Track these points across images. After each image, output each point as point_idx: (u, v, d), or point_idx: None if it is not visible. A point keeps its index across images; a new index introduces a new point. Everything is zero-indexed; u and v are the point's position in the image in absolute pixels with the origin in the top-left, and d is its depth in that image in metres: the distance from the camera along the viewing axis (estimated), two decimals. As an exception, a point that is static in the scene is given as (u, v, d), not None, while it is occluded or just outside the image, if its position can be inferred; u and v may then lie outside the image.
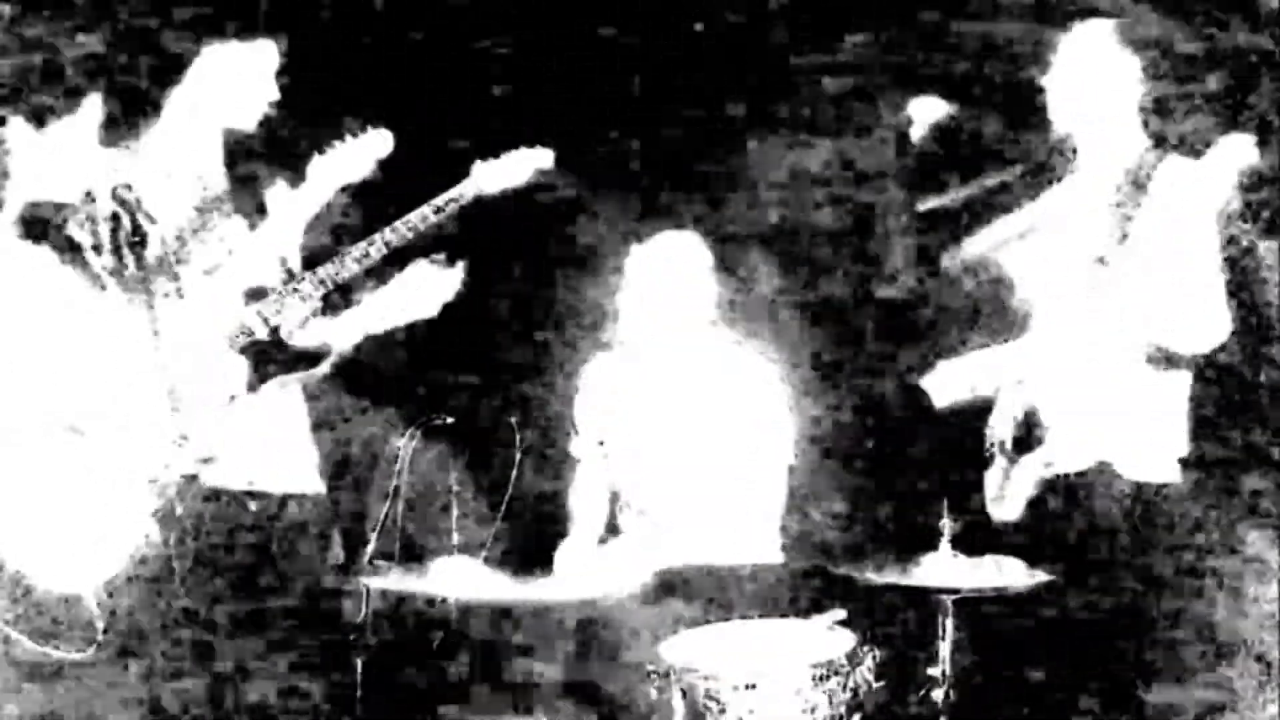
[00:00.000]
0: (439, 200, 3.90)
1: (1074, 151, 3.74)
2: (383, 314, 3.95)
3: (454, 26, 4.90)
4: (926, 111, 5.34)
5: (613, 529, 4.06)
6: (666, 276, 3.93)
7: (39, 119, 3.27)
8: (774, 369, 4.02)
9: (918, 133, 5.35)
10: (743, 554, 3.88)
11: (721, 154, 5.31)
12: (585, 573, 3.82)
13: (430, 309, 3.98)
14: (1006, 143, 4.89)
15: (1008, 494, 3.62)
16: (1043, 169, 4.00)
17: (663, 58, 5.21)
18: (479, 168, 3.99)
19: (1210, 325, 3.45)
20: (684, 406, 3.96)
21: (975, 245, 5.03)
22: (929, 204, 5.34)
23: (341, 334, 3.89)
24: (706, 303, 3.99)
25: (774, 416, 3.98)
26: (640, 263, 3.96)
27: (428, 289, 3.97)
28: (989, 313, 4.30)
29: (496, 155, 4.01)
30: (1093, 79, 3.61)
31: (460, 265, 3.99)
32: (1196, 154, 3.51)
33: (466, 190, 3.95)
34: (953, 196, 5.23)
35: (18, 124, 3.27)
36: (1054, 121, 3.73)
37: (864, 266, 5.32)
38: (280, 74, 3.79)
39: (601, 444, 4.02)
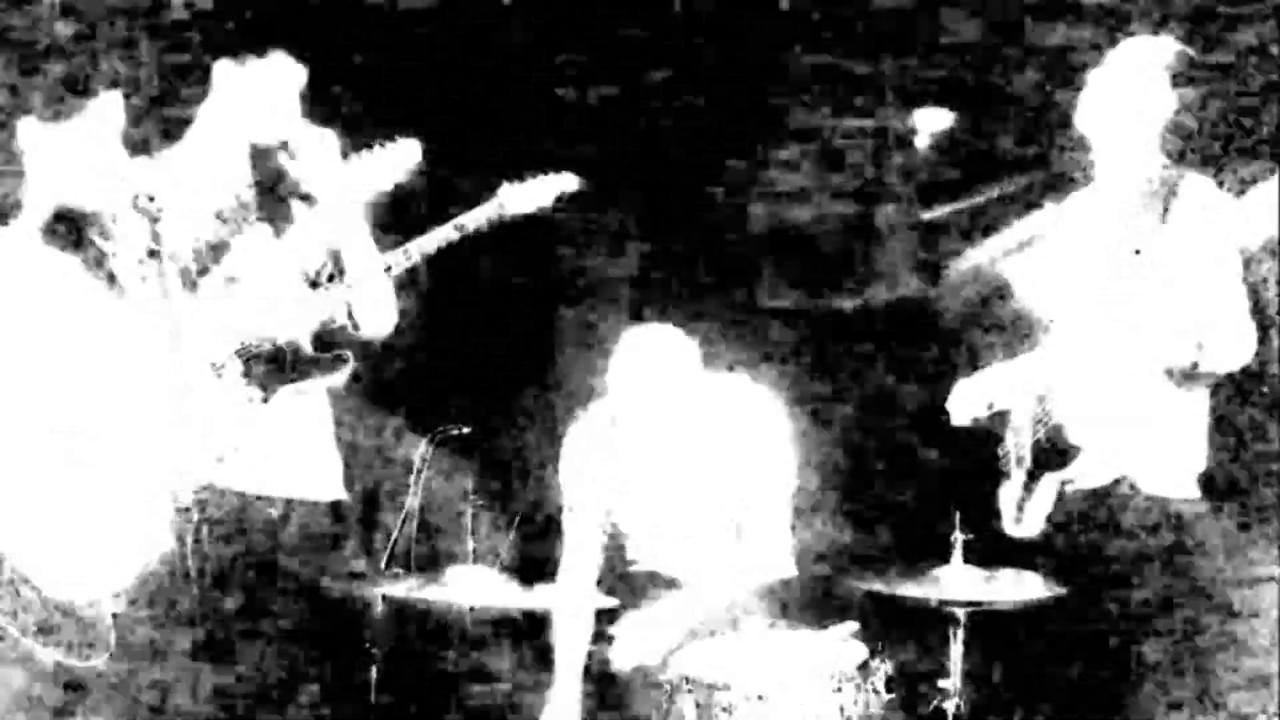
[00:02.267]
0: (463, 219, 3.92)
1: (1088, 164, 3.75)
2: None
3: (484, 44, 4.92)
4: (931, 121, 5.37)
5: (620, 576, 4.02)
6: (651, 372, 3.78)
7: (56, 119, 3.25)
8: (767, 396, 3.94)
9: (923, 142, 5.37)
10: (758, 578, 3.88)
11: (728, 166, 5.33)
12: (634, 643, 3.74)
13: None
14: (1011, 154, 4.92)
15: (1026, 510, 3.62)
16: (1052, 180, 4.02)
17: (664, 65, 5.23)
18: (505, 189, 4.00)
19: (1237, 344, 3.44)
20: (680, 452, 3.87)
21: (978, 256, 5.06)
22: (933, 214, 5.37)
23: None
24: (692, 387, 3.86)
25: (772, 447, 3.90)
26: (625, 359, 3.82)
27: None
28: (995, 322, 4.32)
29: (523, 178, 4.03)
30: (1128, 93, 3.60)
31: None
32: (1215, 174, 3.54)
33: (491, 211, 3.96)
34: (957, 206, 5.26)
35: (31, 124, 3.26)
36: (1078, 130, 3.73)
37: (869, 277, 5.34)
38: (310, 85, 3.80)
39: (587, 517, 3.98)
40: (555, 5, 5.06)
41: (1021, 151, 4.83)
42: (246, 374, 3.70)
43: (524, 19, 5.00)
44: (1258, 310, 3.54)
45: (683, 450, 3.86)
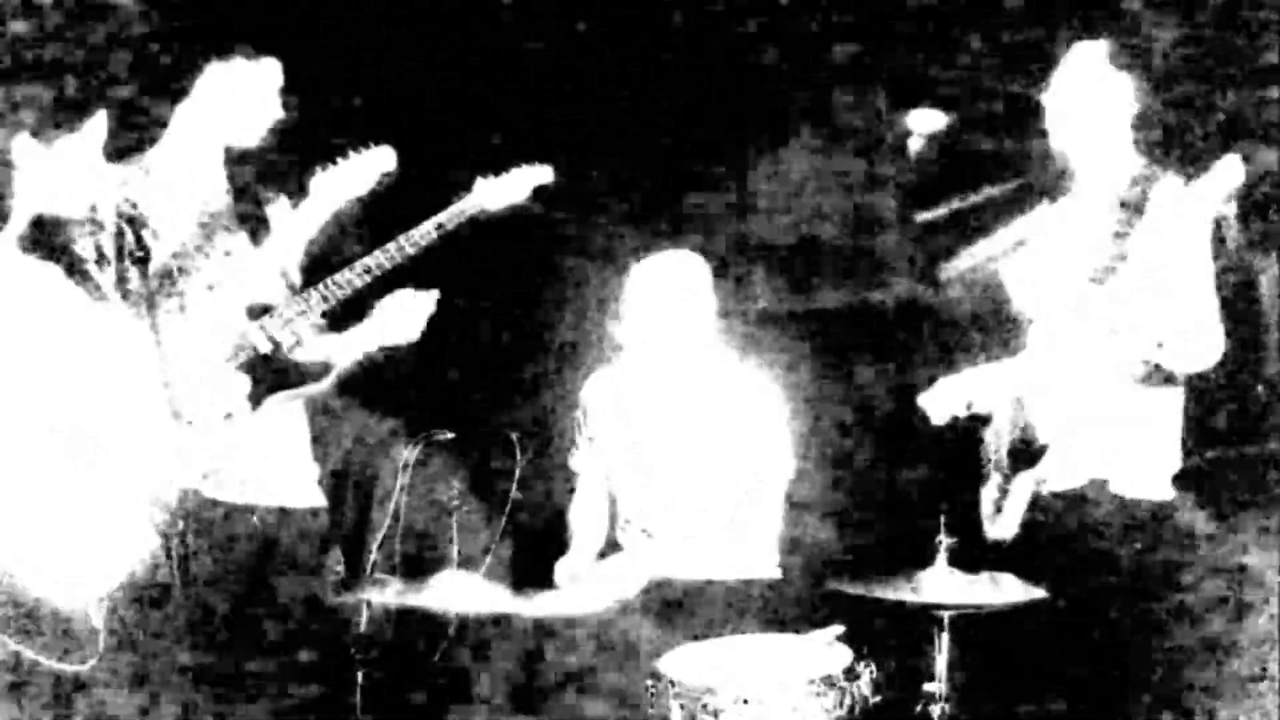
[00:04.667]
0: (441, 216, 3.92)
1: (1072, 167, 3.76)
2: (365, 339, 3.93)
3: (457, 42, 4.93)
4: (925, 123, 5.36)
5: (613, 544, 4.08)
6: (667, 294, 3.94)
7: (46, 135, 3.28)
8: (772, 383, 4.04)
9: (916, 144, 5.37)
10: (740, 569, 3.91)
11: (721, 166, 5.32)
12: (585, 587, 3.83)
13: (411, 334, 3.96)
14: (1004, 155, 4.91)
15: (1003, 511, 3.64)
16: (1042, 182, 4.02)
17: (661, 70, 5.23)
18: (481, 184, 4.01)
19: (1206, 346, 3.46)
20: (683, 421, 3.98)
21: (972, 257, 5.05)
22: (927, 215, 5.36)
23: (343, 350, 3.90)
24: (706, 319, 4.01)
25: (772, 431, 4.00)
26: (641, 280, 3.98)
27: (405, 315, 3.95)
28: (986, 324, 4.31)
29: (498, 172, 4.04)
30: (1087, 100, 3.63)
31: (434, 292, 3.95)
32: (1190, 174, 3.53)
33: (468, 206, 3.97)
34: (950, 208, 5.25)
35: (24, 139, 3.28)
36: (1051, 139, 3.75)
37: (862, 278, 5.33)
38: (284, 90, 3.81)
39: (599, 456, 4.05)
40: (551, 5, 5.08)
41: (1016, 152, 4.81)
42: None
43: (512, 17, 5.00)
44: (1240, 307, 3.55)
45: (689, 414, 3.95)
